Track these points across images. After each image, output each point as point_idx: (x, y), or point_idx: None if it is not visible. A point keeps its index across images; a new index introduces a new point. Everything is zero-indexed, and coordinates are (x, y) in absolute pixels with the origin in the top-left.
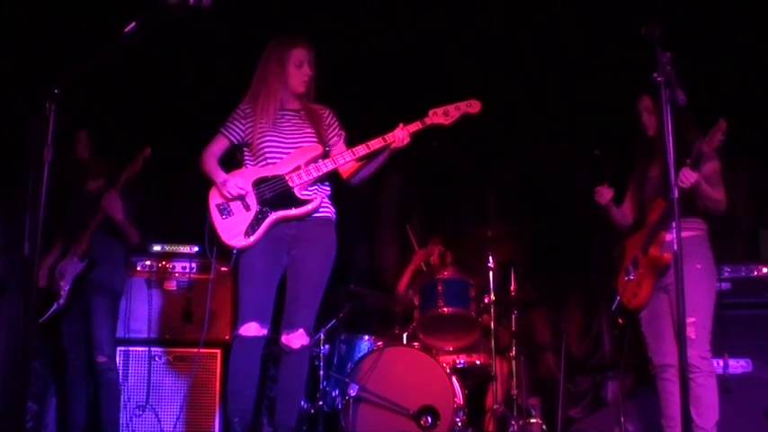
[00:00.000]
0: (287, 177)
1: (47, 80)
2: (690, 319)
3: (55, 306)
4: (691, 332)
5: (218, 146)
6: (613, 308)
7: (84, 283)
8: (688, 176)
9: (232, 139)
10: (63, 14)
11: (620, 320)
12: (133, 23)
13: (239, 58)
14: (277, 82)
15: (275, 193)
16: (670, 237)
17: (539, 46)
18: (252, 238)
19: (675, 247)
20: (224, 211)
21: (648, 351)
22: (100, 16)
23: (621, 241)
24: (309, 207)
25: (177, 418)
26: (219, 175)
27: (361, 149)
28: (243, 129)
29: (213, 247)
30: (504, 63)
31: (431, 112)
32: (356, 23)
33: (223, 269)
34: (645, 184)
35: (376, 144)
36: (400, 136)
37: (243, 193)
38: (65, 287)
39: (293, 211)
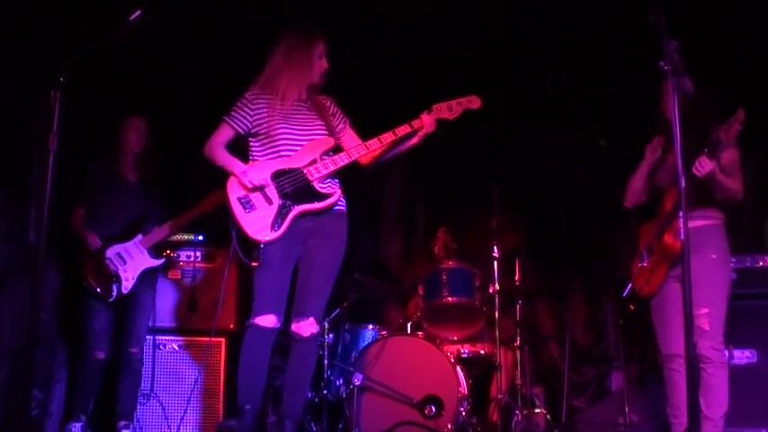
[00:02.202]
0: (305, 171)
1: (52, 68)
2: (703, 310)
3: (116, 289)
4: (704, 323)
5: (222, 136)
6: (625, 294)
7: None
8: (704, 165)
9: (238, 129)
10: (68, 2)
11: (632, 307)
12: (138, 11)
13: (239, 50)
14: (303, 72)
15: (295, 187)
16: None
17: (543, 35)
18: (279, 232)
19: (683, 237)
20: (246, 204)
21: (657, 339)
22: (106, 4)
23: (637, 227)
24: (331, 201)
25: (182, 407)
26: (237, 164)
27: (374, 143)
28: (251, 119)
29: (238, 237)
30: (507, 51)
31: (435, 107)
32: (354, 13)
33: (254, 264)
34: (660, 169)
35: (402, 131)
36: (428, 121)
37: (265, 184)
38: (129, 276)
39: (317, 205)
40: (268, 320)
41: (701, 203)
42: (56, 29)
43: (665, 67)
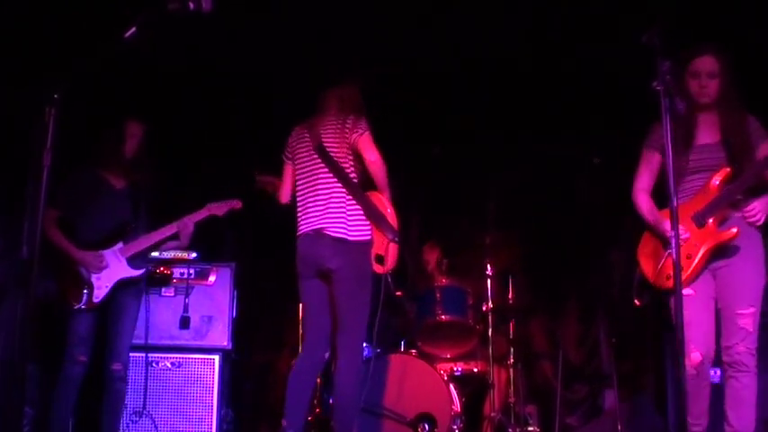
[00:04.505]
0: None
1: (47, 84)
2: (749, 310)
3: (85, 296)
4: (748, 323)
5: None
6: (635, 283)
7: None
8: None
9: None
10: (63, 18)
11: (638, 302)
12: (133, 28)
13: (238, 61)
14: None
15: None
16: (740, 212)
17: (539, 52)
18: None
19: (674, 252)
20: None
21: (689, 334)
22: (100, 20)
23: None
24: None
25: (174, 425)
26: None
27: None
28: None
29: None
30: (503, 68)
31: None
32: (343, 27)
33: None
34: (689, 152)
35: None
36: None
37: None
38: (102, 285)
39: None
40: None
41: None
42: (53, 43)
43: (658, 88)
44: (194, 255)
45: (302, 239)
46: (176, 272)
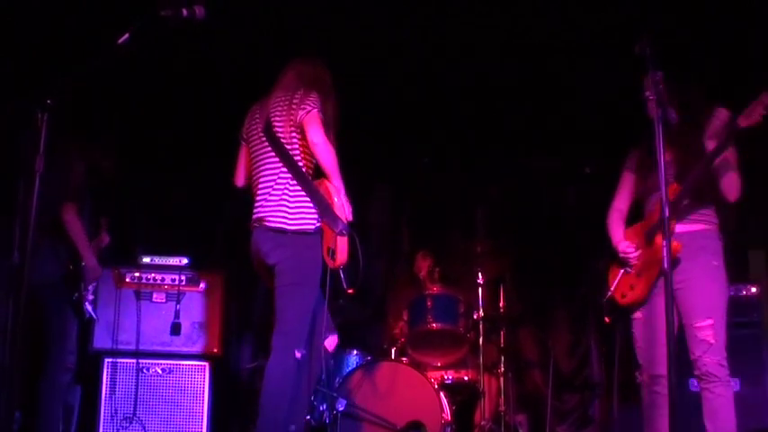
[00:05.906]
0: None
1: (39, 90)
2: (707, 321)
3: (87, 305)
4: (709, 336)
5: None
6: (604, 301)
7: None
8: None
9: None
10: (56, 24)
11: (607, 319)
12: (126, 34)
13: (228, 70)
14: None
15: None
16: (681, 228)
17: (530, 62)
18: None
19: (665, 255)
20: None
21: (638, 357)
22: (93, 26)
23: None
24: None
25: (164, 431)
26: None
27: None
28: None
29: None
30: (493, 79)
31: None
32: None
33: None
34: (652, 170)
35: None
36: None
37: None
38: (90, 291)
39: None
40: None
41: (697, 200)
42: (47, 50)
43: (650, 98)
44: (185, 261)
45: (252, 232)
46: (168, 278)
